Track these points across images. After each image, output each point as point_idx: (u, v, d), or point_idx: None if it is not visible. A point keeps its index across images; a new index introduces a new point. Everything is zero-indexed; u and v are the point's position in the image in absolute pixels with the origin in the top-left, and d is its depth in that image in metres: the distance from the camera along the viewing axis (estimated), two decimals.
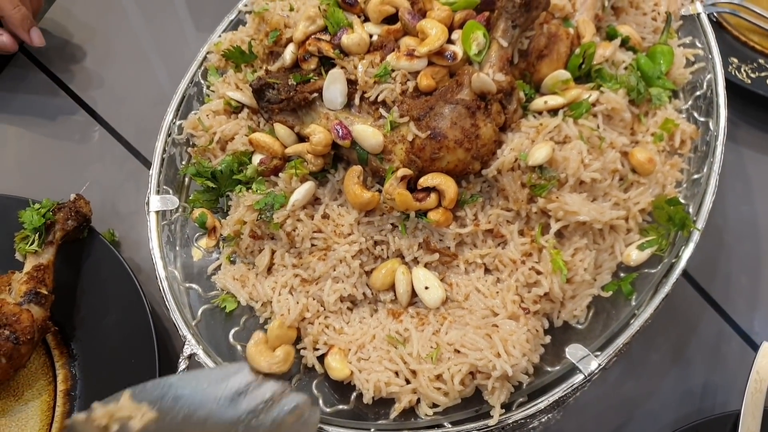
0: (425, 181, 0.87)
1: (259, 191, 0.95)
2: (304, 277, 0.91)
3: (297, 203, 0.90)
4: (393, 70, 0.90)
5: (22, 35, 1.29)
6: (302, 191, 0.91)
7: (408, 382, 0.82)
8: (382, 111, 0.90)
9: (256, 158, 0.97)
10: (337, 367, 0.84)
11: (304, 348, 0.89)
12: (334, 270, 0.89)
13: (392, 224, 0.90)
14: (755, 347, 1.03)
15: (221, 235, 1.00)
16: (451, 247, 0.88)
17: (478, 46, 0.88)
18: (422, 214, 0.87)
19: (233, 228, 0.96)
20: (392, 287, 0.89)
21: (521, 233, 0.87)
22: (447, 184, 0.86)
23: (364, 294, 0.90)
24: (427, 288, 0.87)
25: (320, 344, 0.88)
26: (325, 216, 0.92)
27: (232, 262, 0.99)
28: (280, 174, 0.95)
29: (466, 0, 0.92)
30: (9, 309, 0.96)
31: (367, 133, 0.88)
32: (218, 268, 0.98)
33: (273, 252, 0.94)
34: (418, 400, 0.82)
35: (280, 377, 0.83)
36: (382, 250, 0.90)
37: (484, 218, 0.88)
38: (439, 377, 0.80)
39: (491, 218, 0.88)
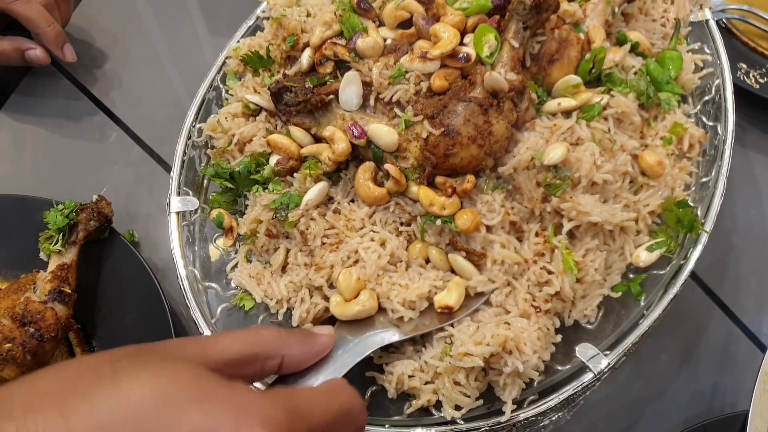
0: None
1: (275, 191, 0.97)
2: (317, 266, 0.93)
3: (310, 202, 0.93)
4: (407, 72, 0.92)
5: (56, 51, 1.34)
6: (315, 191, 0.93)
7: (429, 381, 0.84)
8: (396, 111, 0.93)
9: (273, 159, 1.00)
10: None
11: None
12: (348, 258, 0.90)
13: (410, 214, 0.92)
14: (764, 349, 1.04)
15: (238, 234, 1.02)
16: (477, 247, 0.88)
17: (489, 48, 0.90)
18: (447, 219, 0.87)
19: (249, 227, 0.98)
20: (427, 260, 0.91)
21: (536, 234, 0.88)
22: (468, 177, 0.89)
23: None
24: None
25: (393, 299, 0.86)
26: (336, 211, 0.94)
27: (249, 261, 1.01)
28: (295, 174, 0.97)
29: (478, 5, 0.94)
30: (34, 307, 0.99)
31: (382, 131, 0.90)
32: (236, 266, 1.01)
33: (287, 251, 0.97)
34: (437, 401, 0.84)
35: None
36: (408, 235, 0.92)
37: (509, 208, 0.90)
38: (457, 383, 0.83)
39: (514, 211, 0.89)
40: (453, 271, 0.89)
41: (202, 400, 0.49)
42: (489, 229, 0.88)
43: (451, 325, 0.85)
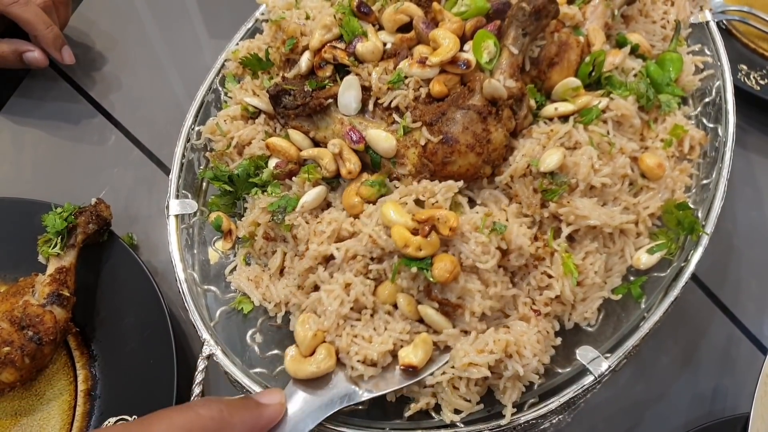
0: (422, 214, 0.81)
1: (273, 194, 0.97)
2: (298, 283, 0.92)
3: (306, 205, 0.92)
4: (406, 77, 0.92)
5: (54, 54, 1.34)
6: (312, 194, 0.93)
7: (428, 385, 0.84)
8: (395, 116, 0.92)
9: (272, 162, 1.00)
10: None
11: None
12: (317, 269, 0.88)
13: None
14: (765, 351, 1.04)
15: (237, 237, 1.02)
16: (453, 297, 0.82)
17: (488, 54, 0.89)
18: (424, 266, 0.80)
19: (248, 229, 0.98)
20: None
21: (535, 239, 0.88)
22: (447, 216, 0.80)
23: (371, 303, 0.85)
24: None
25: (353, 356, 0.81)
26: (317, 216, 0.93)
27: (248, 264, 1.01)
28: (294, 178, 0.97)
29: (476, 8, 0.94)
30: (33, 310, 0.99)
31: (381, 137, 0.90)
32: (234, 269, 1.01)
33: (284, 254, 0.96)
34: (436, 403, 0.84)
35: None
36: (379, 273, 0.86)
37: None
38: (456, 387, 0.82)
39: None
40: (423, 320, 0.84)
41: None
42: (477, 271, 0.82)
43: (416, 383, 0.82)
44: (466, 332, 0.83)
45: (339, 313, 0.83)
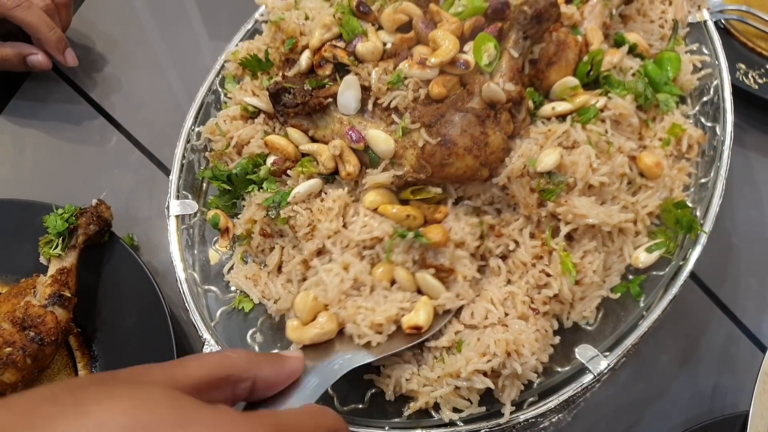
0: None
1: (269, 190, 0.97)
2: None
3: (298, 196, 0.93)
4: (405, 78, 0.92)
5: (57, 56, 1.35)
6: (306, 186, 0.93)
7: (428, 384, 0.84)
8: (394, 117, 0.93)
9: (270, 159, 1.00)
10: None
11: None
12: (323, 248, 0.90)
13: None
14: (764, 349, 1.04)
15: (234, 235, 1.02)
16: (446, 263, 0.87)
17: (488, 57, 0.89)
18: (418, 233, 0.86)
19: (245, 227, 0.99)
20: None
21: (532, 236, 0.88)
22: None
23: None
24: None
25: (360, 323, 0.82)
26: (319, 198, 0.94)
27: (245, 262, 1.01)
28: (289, 172, 0.97)
29: (473, 8, 0.94)
30: (34, 311, 0.99)
31: (380, 138, 0.90)
32: (232, 267, 1.01)
33: (282, 249, 0.97)
34: (435, 402, 0.84)
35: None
36: (372, 258, 0.89)
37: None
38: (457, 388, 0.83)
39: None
40: (419, 292, 0.87)
41: (185, 424, 0.45)
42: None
43: (421, 344, 0.84)
44: (459, 296, 0.86)
45: (340, 288, 0.84)
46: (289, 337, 0.83)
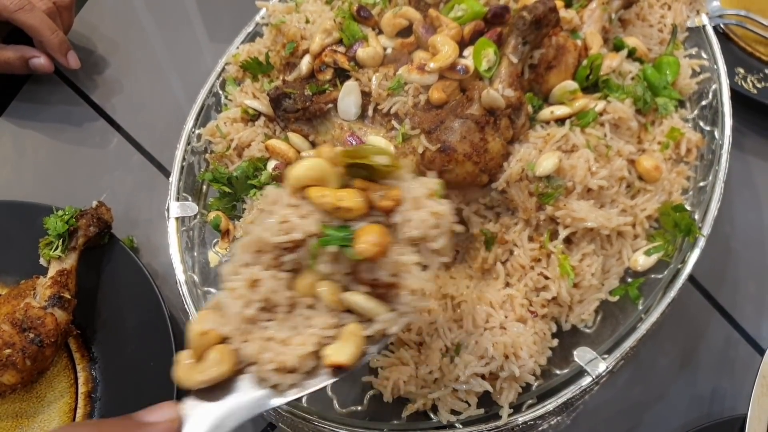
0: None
1: None
2: None
3: None
4: (406, 84, 0.93)
5: (59, 59, 1.35)
6: None
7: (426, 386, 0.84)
8: (394, 123, 0.93)
9: (271, 164, 1.01)
10: None
11: None
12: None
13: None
14: (762, 352, 1.04)
15: (234, 237, 1.02)
16: (385, 276, 0.65)
17: (488, 63, 0.90)
18: (344, 240, 0.64)
19: (246, 229, 0.99)
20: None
21: (531, 239, 0.89)
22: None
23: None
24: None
25: (265, 365, 0.64)
26: None
27: None
28: None
29: (473, 12, 0.94)
30: (34, 312, 0.99)
31: (380, 144, 0.90)
32: None
33: None
34: (433, 404, 0.84)
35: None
36: (295, 263, 0.68)
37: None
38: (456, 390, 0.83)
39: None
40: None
41: None
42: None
43: (420, 344, 0.78)
44: (404, 315, 0.66)
45: (243, 315, 0.65)
46: (175, 377, 0.65)
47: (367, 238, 0.63)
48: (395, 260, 0.65)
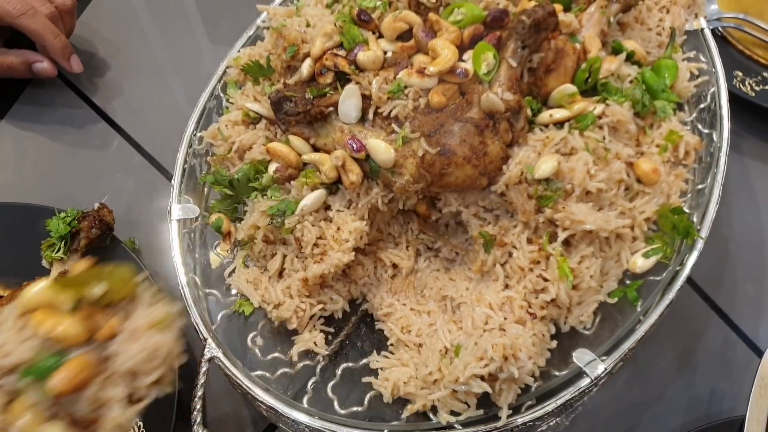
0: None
1: (273, 198, 0.98)
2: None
3: (306, 209, 0.94)
4: (406, 87, 0.93)
5: (62, 63, 1.36)
6: (312, 198, 0.94)
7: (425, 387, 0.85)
8: (394, 126, 0.93)
9: (272, 167, 1.01)
10: None
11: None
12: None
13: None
14: (760, 354, 1.05)
15: (236, 239, 1.03)
16: (83, 410, 0.64)
17: (487, 66, 0.90)
18: (45, 370, 0.62)
19: (247, 232, 1.00)
20: None
21: (530, 241, 0.89)
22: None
23: None
24: None
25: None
26: (328, 220, 0.95)
27: (246, 266, 1.02)
28: (293, 182, 0.98)
29: (472, 16, 0.95)
30: None
31: (381, 148, 0.91)
32: (234, 271, 1.02)
33: (284, 257, 0.98)
34: (433, 405, 0.85)
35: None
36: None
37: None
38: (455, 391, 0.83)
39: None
40: None
41: None
42: None
43: (419, 345, 0.84)
44: None
45: None
46: None
47: (67, 371, 0.62)
48: (96, 395, 0.64)
